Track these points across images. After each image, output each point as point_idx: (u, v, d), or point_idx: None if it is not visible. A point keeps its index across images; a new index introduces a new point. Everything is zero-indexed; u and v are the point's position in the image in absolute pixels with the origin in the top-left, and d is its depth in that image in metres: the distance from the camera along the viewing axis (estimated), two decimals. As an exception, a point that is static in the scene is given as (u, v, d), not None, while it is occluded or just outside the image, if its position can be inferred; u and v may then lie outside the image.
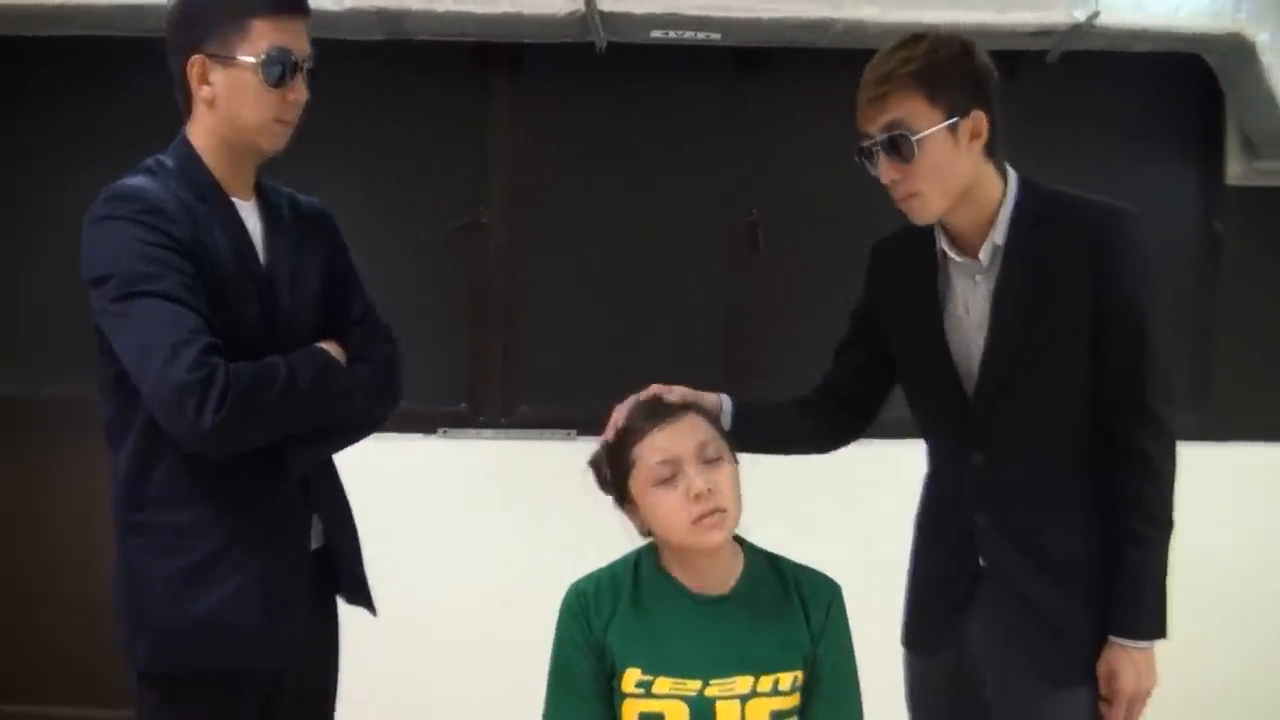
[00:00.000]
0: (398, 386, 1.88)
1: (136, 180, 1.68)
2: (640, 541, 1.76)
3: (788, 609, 1.69)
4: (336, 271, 1.88)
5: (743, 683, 1.62)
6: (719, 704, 1.62)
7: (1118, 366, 1.75)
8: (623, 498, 1.71)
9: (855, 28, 3.22)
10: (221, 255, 1.67)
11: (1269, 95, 3.43)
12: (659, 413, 1.69)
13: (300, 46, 1.70)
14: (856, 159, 1.78)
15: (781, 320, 3.73)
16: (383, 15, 3.04)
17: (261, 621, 1.70)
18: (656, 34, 3.20)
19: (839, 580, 1.77)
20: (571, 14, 3.03)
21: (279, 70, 1.67)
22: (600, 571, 1.74)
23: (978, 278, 1.81)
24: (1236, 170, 3.84)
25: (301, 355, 1.72)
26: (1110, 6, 3.28)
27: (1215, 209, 3.88)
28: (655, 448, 1.64)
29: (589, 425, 3.59)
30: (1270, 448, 3.66)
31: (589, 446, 3.76)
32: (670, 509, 1.62)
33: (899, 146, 1.70)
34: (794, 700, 1.65)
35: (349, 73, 3.35)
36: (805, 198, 3.73)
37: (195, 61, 1.67)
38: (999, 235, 1.78)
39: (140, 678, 1.70)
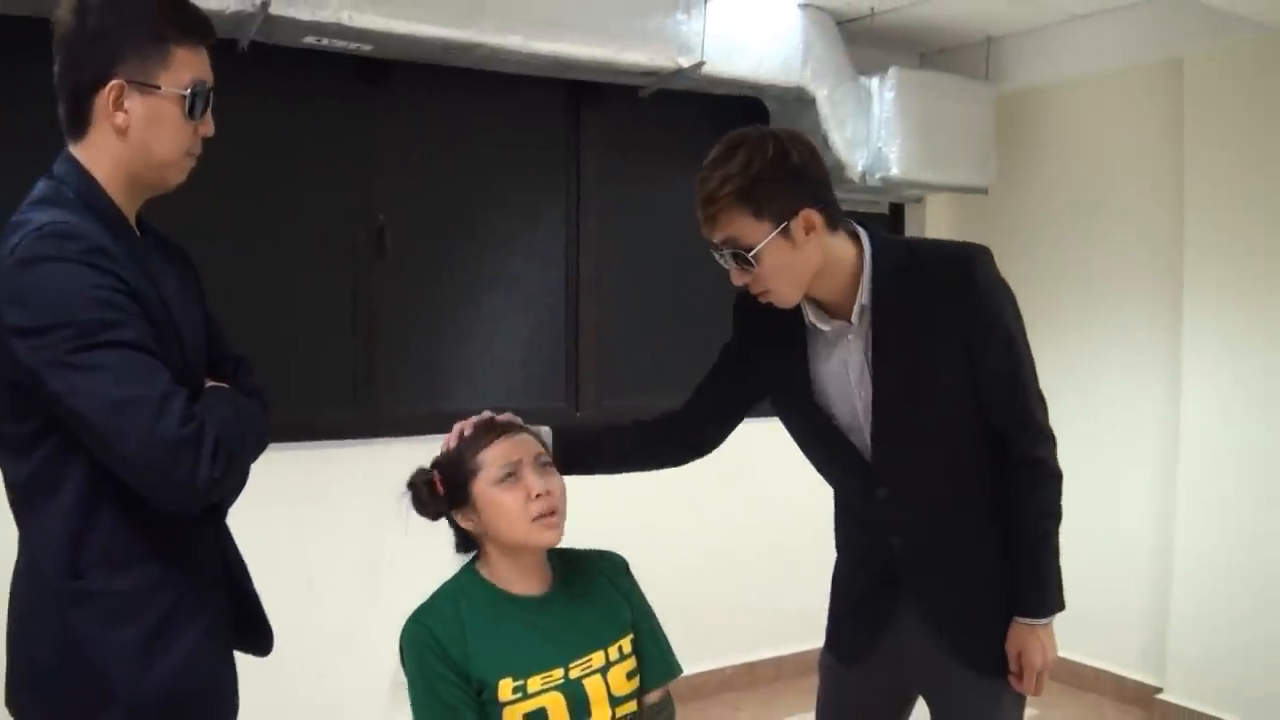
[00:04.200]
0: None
1: (57, 215, 1.49)
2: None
3: (599, 588, 1.90)
4: (207, 310, 1.78)
5: (597, 658, 1.80)
6: (585, 682, 1.77)
7: (999, 390, 1.87)
8: (460, 502, 1.81)
9: (499, 52, 3.44)
10: (148, 301, 1.53)
11: (823, 138, 4.09)
12: (497, 428, 1.85)
13: (210, 76, 1.61)
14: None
15: (406, 319, 3.85)
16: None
17: (221, 676, 1.63)
18: (309, 40, 3.19)
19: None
20: (237, 13, 2.94)
21: (200, 104, 1.58)
22: (430, 604, 1.81)
23: (850, 336, 1.88)
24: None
25: (235, 400, 1.64)
26: (711, 58, 3.76)
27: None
28: (498, 453, 1.80)
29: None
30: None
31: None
32: (511, 507, 1.77)
33: (739, 259, 1.78)
34: (634, 661, 1.86)
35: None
36: (429, 204, 3.89)
37: (114, 86, 1.52)
38: (864, 296, 1.85)
39: None
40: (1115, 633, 4.29)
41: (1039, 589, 1.91)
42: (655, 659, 1.90)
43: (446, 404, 3.94)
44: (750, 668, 4.45)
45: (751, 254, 1.76)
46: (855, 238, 1.88)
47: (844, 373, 1.92)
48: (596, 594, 1.89)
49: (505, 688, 1.73)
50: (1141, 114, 4.28)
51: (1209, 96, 3.95)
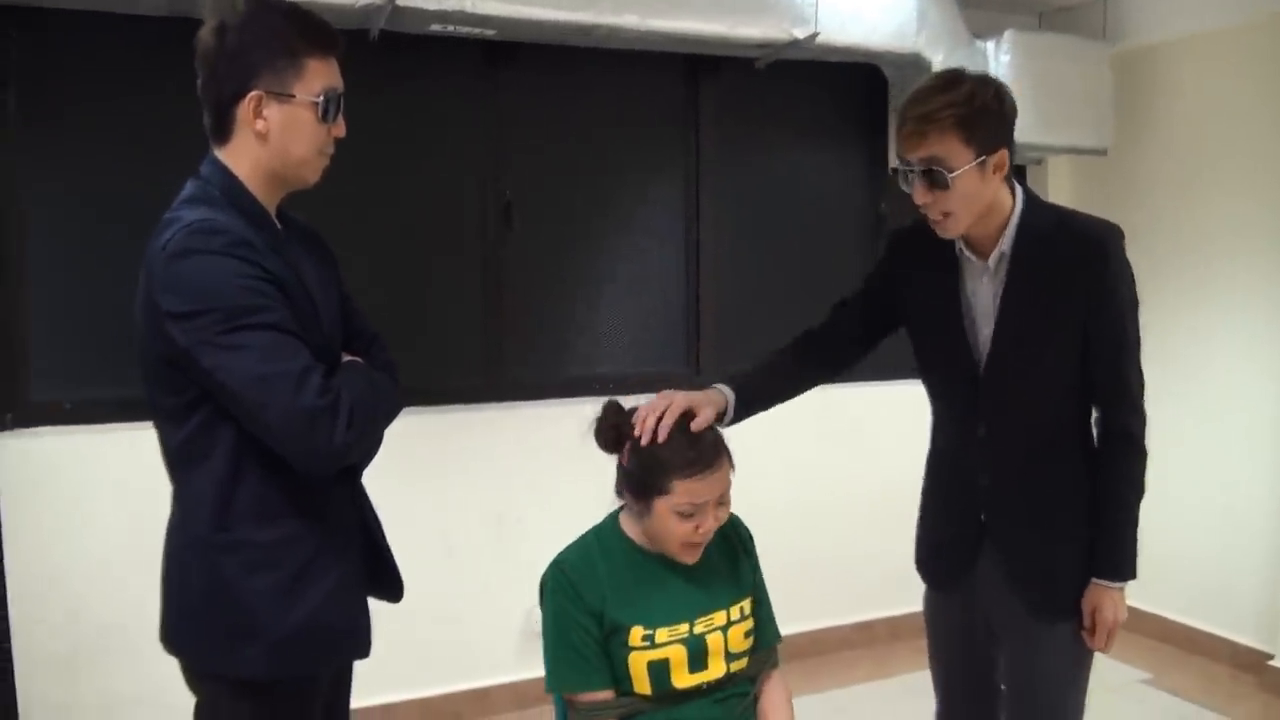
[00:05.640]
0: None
1: (205, 212, 1.66)
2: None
3: (729, 552, 2.03)
4: (343, 291, 1.95)
5: (720, 616, 1.94)
6: (708, 637, 1.91)
7: (1104, 360, 2.03)
8: (637, 496, 1.90)
9: (617, 31, 3.55)
10: (289, 286, 1.70)
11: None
12: (701, 457, 1.86)
13: (340, 83, 1.78)
14: (891, 174, 1.97)
15: (532, 291, 4.03)
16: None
17: (356, 617, 1.83)
18: (435, 27, 3.35)
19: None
20: (367, 6, 3.12)
21: (332, 109, 1.75)
22: (570, 551, 1.96)
23: (984, 277, 2.08)
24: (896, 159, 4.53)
25: (368, 374, 1.81)
26: (825, 28, 3.81)
27: (881, 191, 4.63)
28: (689, 491, 1.84)
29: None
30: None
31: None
32: (676, 532, 1.87)
33: (935, 178, 1.93)
34: (752, 622, 1.99)
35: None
36: (553, 180, 4.05)
37: (253, 97, 1.69)
38: (1006, 244, 2.04)
39: (242, 687, 1.72)
40: (1230, 599, 4.25)
41: (1118, 554, 2.08)
42: (765, 618, 2.04)
43: (570, 371, 4.12)
44: (867, 626, 4.56)
45: (952, 176, 1.92)
46: (1012, 193, 2.06)
47: (973, 306, 2.11)
48: (727, 556, 2.02)
49: (636, 635, 1.87)
50: (1261, 69, 4.16)
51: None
